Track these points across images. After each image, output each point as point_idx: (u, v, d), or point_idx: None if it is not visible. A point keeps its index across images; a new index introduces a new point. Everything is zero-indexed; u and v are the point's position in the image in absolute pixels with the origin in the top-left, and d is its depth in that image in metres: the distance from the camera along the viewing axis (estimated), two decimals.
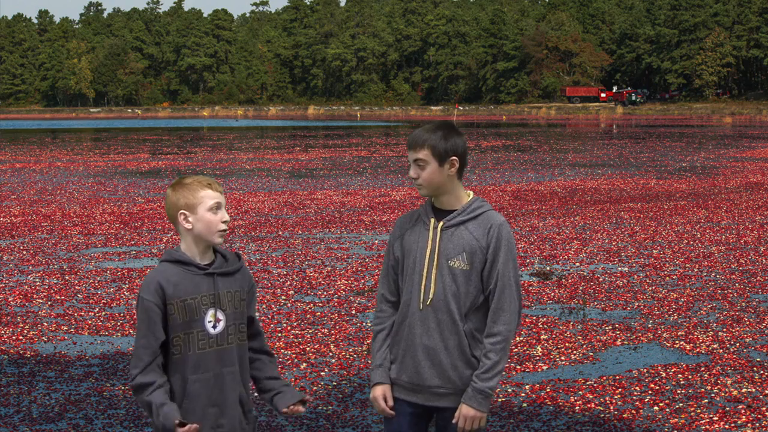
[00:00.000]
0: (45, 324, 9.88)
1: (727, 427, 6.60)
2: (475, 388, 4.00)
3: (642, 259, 13.42)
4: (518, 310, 4.03)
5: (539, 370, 8.09)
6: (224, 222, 3.84)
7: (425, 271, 4.03)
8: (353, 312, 10.30)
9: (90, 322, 9.95)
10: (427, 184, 4.05)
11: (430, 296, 4.02)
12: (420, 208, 4.17)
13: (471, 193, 4.15)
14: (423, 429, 4.18)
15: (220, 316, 3.84)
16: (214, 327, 3.83)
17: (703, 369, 8.00)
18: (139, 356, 3.76)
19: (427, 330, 4.03)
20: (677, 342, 8.92)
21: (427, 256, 4.03)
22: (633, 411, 6.96)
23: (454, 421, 4.04)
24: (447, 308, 4.01)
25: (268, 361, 4.04)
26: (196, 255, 3.85)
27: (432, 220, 4.08)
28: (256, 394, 4.00)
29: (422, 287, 4.03)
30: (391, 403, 4.12)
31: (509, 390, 7.50)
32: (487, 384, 3.99)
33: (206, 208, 3.81)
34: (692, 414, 6.86)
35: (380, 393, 4.12)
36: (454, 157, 4.05)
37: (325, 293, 11.31)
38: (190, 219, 3.83)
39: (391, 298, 4.19)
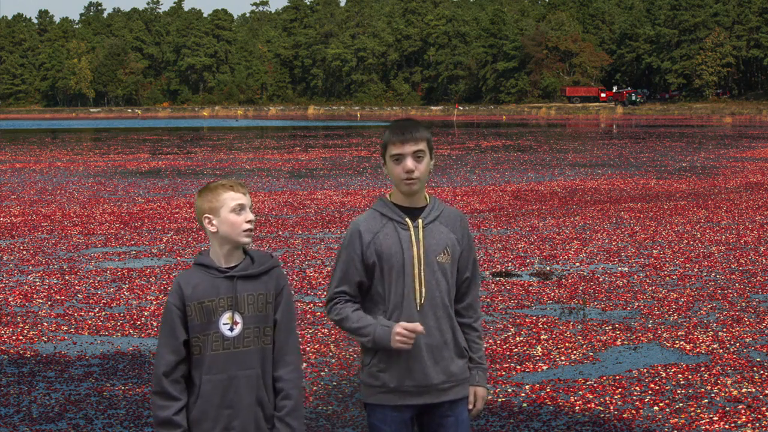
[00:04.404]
0: (45, 324, 9.88)
1: (727, 427, 6.59)
2: (483, 368, 4.17)
3: (642, 259, 13.41)
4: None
5: (539, 370, 8.09)
6: (248, 222, 3.87)
7: (416, 270, 4.00)
8: None
9: (90, 322, 9.96)
10: (423, 178, 4.02)
11: (426, 295, 4.00)
12: (380, 209, 4.07)
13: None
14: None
15: (238, 319, 3.84)
16: (231, 330, 3.84)
17: (703, 369, 7.99)
18: (161, 354, 3.81)
19: (428, 329, 4.01)
20: (677, 342, 8.91)
21: (415, 256, 4.01)
22: (633, 411, 6.96)
23: (470, 406, 4.12)
24: (443, 304, 4.04)
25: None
26: (221, 258, 3.88)
27: (408, 219, 4.03)
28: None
29: (416, 287, 4.01)
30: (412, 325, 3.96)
31: (509, 390, 7.50)
32: (485, 363, 4.21)
33: (229, 209, 3.86)
34: (692, 414, 6.86)
35: (399, 328, 3.93)
36: (433, 152, 4.11)
37: (325, 293, 11.31)
38: (214, 222, 3.88)
39: (355, 297, 4.11)
